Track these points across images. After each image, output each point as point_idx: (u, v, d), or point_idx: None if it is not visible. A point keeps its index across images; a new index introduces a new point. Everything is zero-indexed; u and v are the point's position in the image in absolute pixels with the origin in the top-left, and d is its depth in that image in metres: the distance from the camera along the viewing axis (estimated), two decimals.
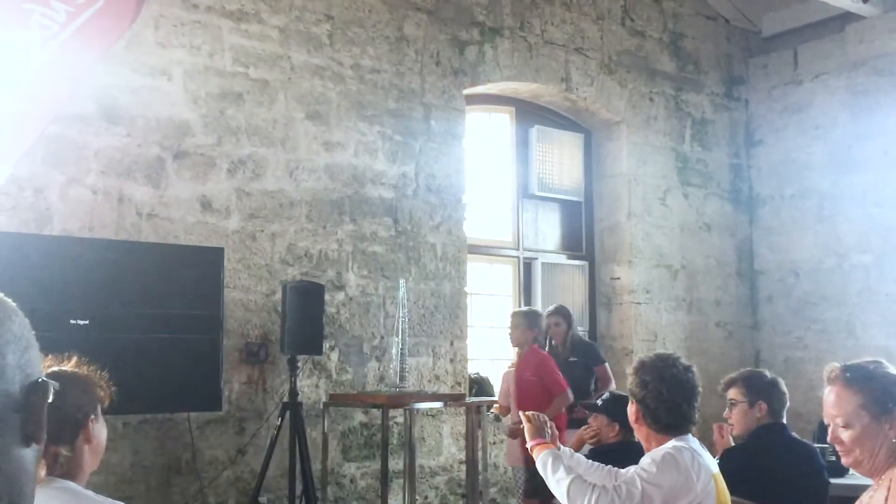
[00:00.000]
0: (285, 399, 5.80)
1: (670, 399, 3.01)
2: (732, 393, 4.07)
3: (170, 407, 5.42)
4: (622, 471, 3.04)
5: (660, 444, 3.03)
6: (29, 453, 0.96)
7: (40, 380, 0.97)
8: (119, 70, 5.64)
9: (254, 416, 6.05)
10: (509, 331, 6.27)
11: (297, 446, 5.59)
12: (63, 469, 2.10)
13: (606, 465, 3.58)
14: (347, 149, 6.68)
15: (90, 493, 2.13)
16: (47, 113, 4.77)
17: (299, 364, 5.83)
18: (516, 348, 6.35)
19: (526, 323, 6.16)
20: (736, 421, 4.05)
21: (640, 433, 3.10)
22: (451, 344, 7.10)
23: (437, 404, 6.42)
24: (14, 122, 4.54)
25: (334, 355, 6.47)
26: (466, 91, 7.41)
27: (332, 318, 6.39)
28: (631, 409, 3.09)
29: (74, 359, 2.18)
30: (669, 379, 3.03)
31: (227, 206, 6.12)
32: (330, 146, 6.60)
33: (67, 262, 5.07)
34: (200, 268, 5.55)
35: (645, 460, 2.98)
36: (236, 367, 5.98)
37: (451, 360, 7.09)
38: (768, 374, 4.17)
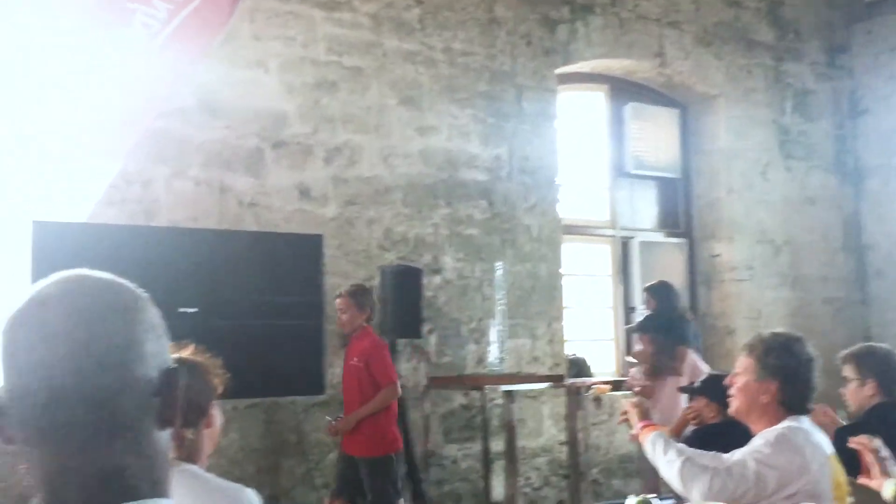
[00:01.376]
0: None
1: (801, 379, 2.94)
2: (846, 370, 3.96)
3: (275, 391, 5.56)
4: (727, 455, 2.97)
5: (772, 424, 2.96)
6: (165, 436, 1.01)
7: (174, 366, 1.02)
8: (217, 64, 5.77)
9: None
10: (337, 315, 5.41)
11: (400, 428, 5.66)
12: (186, 452, 2.19)
13: (711, 445, 3.52)
14: (441, 133, 6.71)
15: (210, 475, 2.21)
16: (152, 109, 4.93)
17: (399, 347, 5.90)
18: (349, 333, 5.45)
19: (355, 304, 5.34)
20: (850, 399, 3.94)
21: (751, 413, 3.01)
22: (549, 325, 7.08)
23: (537, 386, 6.42)
24: (122, 118, 4.70)
25: (433, 338, 6.52)
26: (558, 70, 7.35)
27: (430, 302, 6.44)
28: (759, 388, 2.97)
29: (192, 347, 2.26)
30: (801, 358, 2.96)
31: (325, 194, 6.22)
32: (423, 131, 6.63)
33: (174, 252, 5.25)
34: (300, 255, 5.67)
35: (757, 441, 2.91)
36: (338, 351, 6.08)
37: (550, 342, 7.07)
38: (883, 348, 4.02)
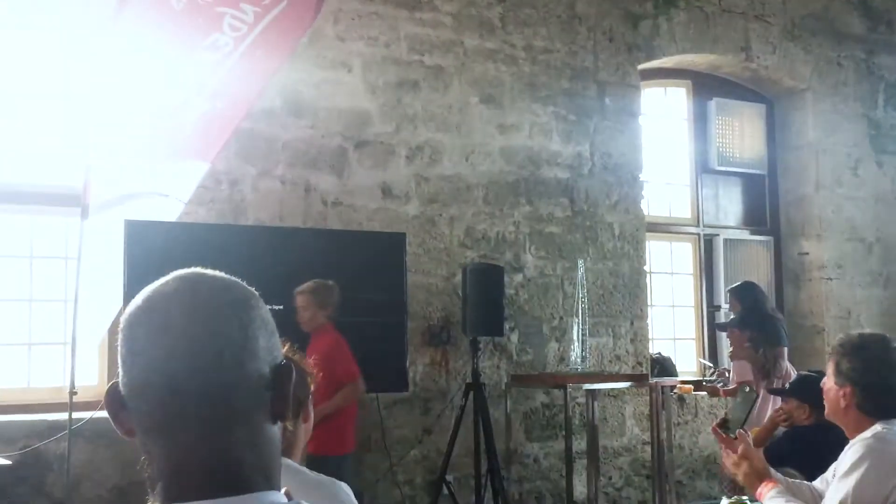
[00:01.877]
0: (468, 380, 5.90)
1: (879, 382, 2.86)
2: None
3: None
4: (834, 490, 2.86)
5: (859, 430, 2.89)
6: (276, 430, 1.03)
7: (285, 361, 1.05)
8: (302, 65, 5.87)
9: (438, 396, 6.20)
10: (298, 313, 5.10)
11: (481, 426, 5.68)
12: (284, 445, 2.23)
13: (802, 449, 3.43)
14: (522, 131, 6.70)
15: (305, 469, 2.26)
16: (240, 110, 5.04)
17: (481, 345, 5.92)
18: (310, 331, 5.14)
19: (315, 301, 5.08)
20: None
21: (845, 417, 2.94)
22: (632, 324, 7.01)
23: (620, 385, 6.37)
24: (211, 120, 4.81)
25: (514, 336, 6.52)
26: (641, 66, 7.26)
27: (511, 300, 6.44)
28: (838, 393, 2.92)
29: (287, 344, 2.31)
30: (877, 361, 2.88)
31: (407, 192, 6.27)
32: (504, 129, 6.63)
33: (260, 251, 5.35)
34: (383, 253, 5.73)
35: (844, 461, 2.83)
36: (420, 348, 6.14)
37: (632, 340, 7.00)
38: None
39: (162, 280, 1.05)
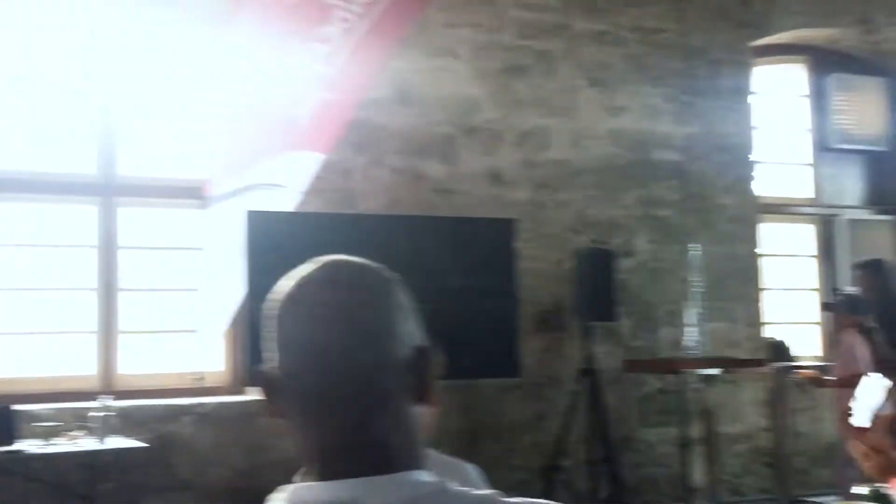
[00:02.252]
0: (581, 366, 5.86)
1: None
2: None
3: (472, 374, 5.65)
4: None
5: None
6: (418, 412, 1.05)
7: (426, 345, 1.07)
8: (410, 53, 5.91)
9: (550, 382, 6.18)
10: None
11: (595, 412, 5.65)
12: None
13: None
14: (631, 113, 6.61)
15: (431, 450, 2.28)
16: (352, 100, 5.12)
17: (593, 331, 5.87)
18: None
19: None
20: None
21: None
22: (747, 308, 6.85)
23: (736, 370, 6.22)
24: (325, 111, 4.91)
25: (627, 322, 6.44)
26: (754, 43, 7.05)
27: (623, 285, 6.36)
28: None
29: None
30: None
31: (516, 178, 6.26)
32: (614, 112, 6.55)
33: (372, 239, 5.41)
34: (493, 239, 5.74)
35: None
36: (531, 334, 6.12)
37: (748, 325, 6.84)
38: None
39: (305, 267, 1.08)
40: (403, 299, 1.08)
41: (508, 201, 6.19)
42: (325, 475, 1.00)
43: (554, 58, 6.41)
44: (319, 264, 1.08)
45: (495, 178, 6.20)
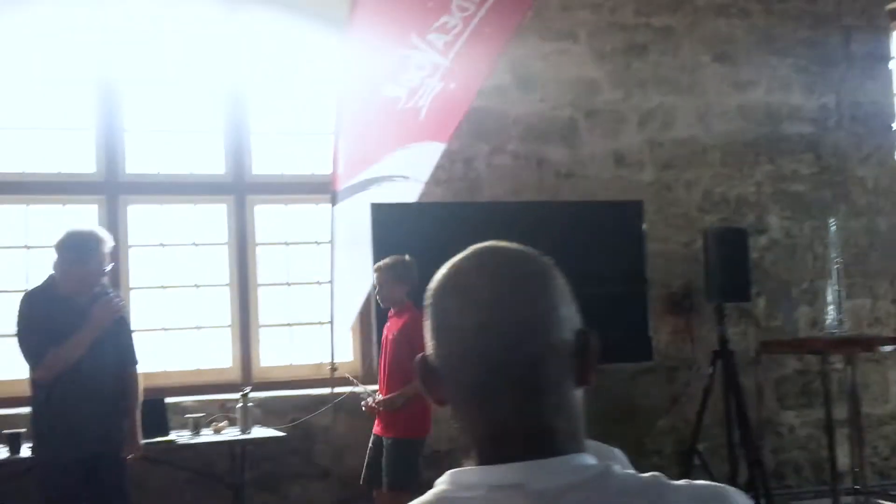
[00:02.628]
0: (715, 348, 5.72)
1: None
2: None
3: (604, 358, 5.57)
4: None
5: None
6: (580, 394, 1.05)
7: (586, 329, 1.06)
8: (528, 38, 5.88)
9: (683, 365, 6.06)
10: (376, 290, 4.85)
11: (731, 395, 5.50)
12: None
13: None
14: (759, 86, 6.39)
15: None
16: (472, 89, 5.13)
17: (726, 312, 5.72)
18: (387, 307, 4.86)
19: (393, 276, 4.76)
20: None
21: None
22: (892, 283, 6.54)
23: (887, 348, 5.96)
24: (445, 101, 4.93)
25: (761, 301, 6.26)
26: (890, 6, 6.70)
27: (756, 264, 6.17)
28: None
29: None
30: None
31: (640, 159, 6.15)
32: (740, 86, 6.35)
33: (497, 227, 5.39)
34: (620, 222, 5.66)
35: None
36: (662, 317, 6.02)
37: (893, 301, 6.53)
38: None
39: (463, 255, 1.08)
40: (562, 283, 1.07)
41: (633, 183, 6.10)
42: (489, 459, 1.01)
43: (675, 34, 6.26)
44: (477, 251, 1.08)
45: (619, 159, 6.11)
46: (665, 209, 6.14)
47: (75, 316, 3.99)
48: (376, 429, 4.76)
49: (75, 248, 4.02)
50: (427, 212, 5.36)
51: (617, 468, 1.01)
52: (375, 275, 4.83)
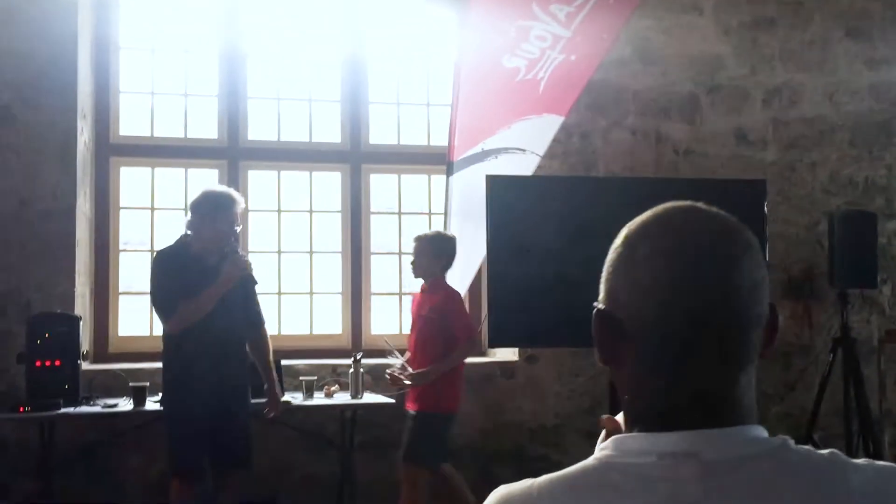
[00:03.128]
0: (836, 335, 5.52)
1: None
2: None
3: None
4: None
5: None
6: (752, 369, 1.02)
7: (774, 304, 1.02)
8: (652, 11, 5.74)
9: (800, 351, 5.88)
10: (412, 259, 4.82)
11: (852, 384, 5.31)
12: None
13: None
14: (894, 65, 6.10)
15: None
16: (593, 62, 5.05)
17: (849, 298, 5.51)
18: (420, 280, 4.85)
19: (432, 249, 4.72)
20: None
21: None
22: None
23: None
24: (565, 73, 4.87)
25: (887, 289, 6.01)
26: None
27: (884, 250, 5.92)
28: None
29: None
30: None
31: (764, 138, 5.96)
32: (874, 64, 6.08)
33: (612, 202, 5.31)
34: (740, 202, 5.36)
35: None
36: (780, 301, 5.80)
37: None
38: None
39: (661, 210, 1.03)
40: (762, 256, 1.02)
41: (756, 162, 5.91)
42: (661, 426, 0.97)
43: (805, 8, 6.02)
44: (675, 209, 1.03)
45: (741, 137, 5.93)
46: (787, 190, 5.94)
47: (206, 274, 4.12)
48: (408, 403, 4.80)
49: (209, 207, 4.15)
50: (543, 185, 5.29)
51: (792, 443, 0.97)
52: (414, 244, 4.82)
